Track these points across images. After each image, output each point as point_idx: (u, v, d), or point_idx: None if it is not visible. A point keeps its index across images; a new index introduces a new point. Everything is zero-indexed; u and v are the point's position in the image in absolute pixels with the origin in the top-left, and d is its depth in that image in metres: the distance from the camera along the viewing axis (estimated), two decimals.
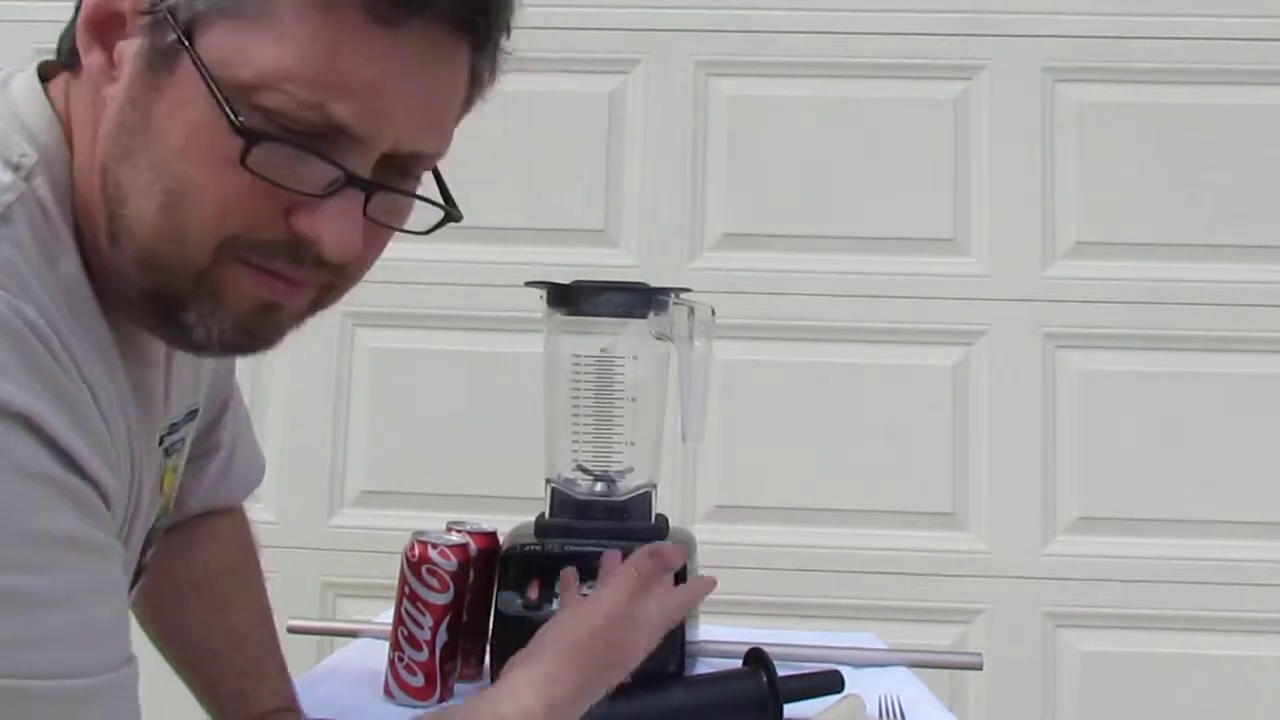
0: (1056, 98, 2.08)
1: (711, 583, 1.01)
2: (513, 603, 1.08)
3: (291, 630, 1.09)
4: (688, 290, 1.13)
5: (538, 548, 1.10)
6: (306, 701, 1.00)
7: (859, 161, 2.08)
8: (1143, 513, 1.99)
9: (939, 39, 2.09)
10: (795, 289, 2.05)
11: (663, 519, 1.17)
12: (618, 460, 1.16)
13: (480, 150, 2.18)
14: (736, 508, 2.02)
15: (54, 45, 0.70)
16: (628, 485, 1.16)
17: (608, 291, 1.16)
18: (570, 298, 1.15)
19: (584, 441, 1.17)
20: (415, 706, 1.08)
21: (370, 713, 1.07)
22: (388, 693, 1.10)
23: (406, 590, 1.09)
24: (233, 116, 0.59)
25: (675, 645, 1.07)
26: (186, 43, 0.61)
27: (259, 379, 1.97)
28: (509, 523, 1.18)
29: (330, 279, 0.68)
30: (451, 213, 0.71)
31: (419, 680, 1.08)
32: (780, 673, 1.03)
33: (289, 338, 0.71)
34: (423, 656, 1.08)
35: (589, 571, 1.08)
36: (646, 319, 1.14)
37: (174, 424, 0.83)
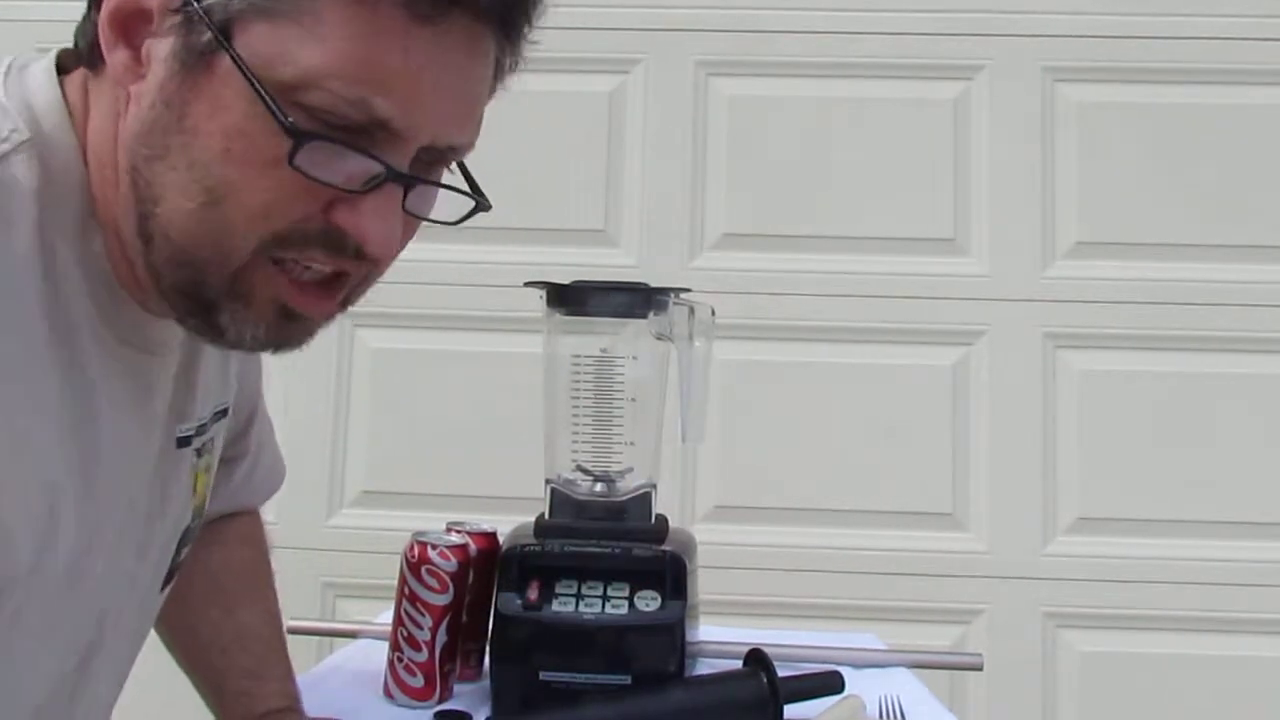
0: (1056, 98, 2.08)
1: None
2: (512, 603, 1.07)
3: (291, 630, 1.09)
4: (688, 290, 1.13)
5: (538, 548, 1.10)
6: (307, 701, 1.00)
7: (859, 162, 2.08)
8: (1142, 513, 1.99)
9: (939, 39, 2.09)
10: (795, 289, 2.05)
11: (663, 519, 1.17)
12: (617, 460, 1.16)
13: (480, 150, 2.18)
14: (736, 508, 2.02)
15: (53, 45, 0.70)
16: (627, 485, 1.16)
17: (608, 291, 1.16)
18: (570, 298, 1.15)
19: (584, 442, 1.16)
20: (415, 707, 1.08)
21: (370, 713, 1.07)
22: (387, 693, 1.10)
23: (406, 591, 1.08)
24: (282, 117, 0.60)
25: (675, 645, 1.07)
26: (226, 43, 0.61)
27: None
28: (509, 523, 1.17)
29: (365, 271, 0.68)
30: (481, 202, 0.72)
31: (418, 681, 1.08)
32: (780, 673, 1.03)
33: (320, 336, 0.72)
34: (422, 657, 1.08)
35: (589, 572, 1.09)
36: (646, 319, 1.13)
37: (202, 424, 0.83)
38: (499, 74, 0.70)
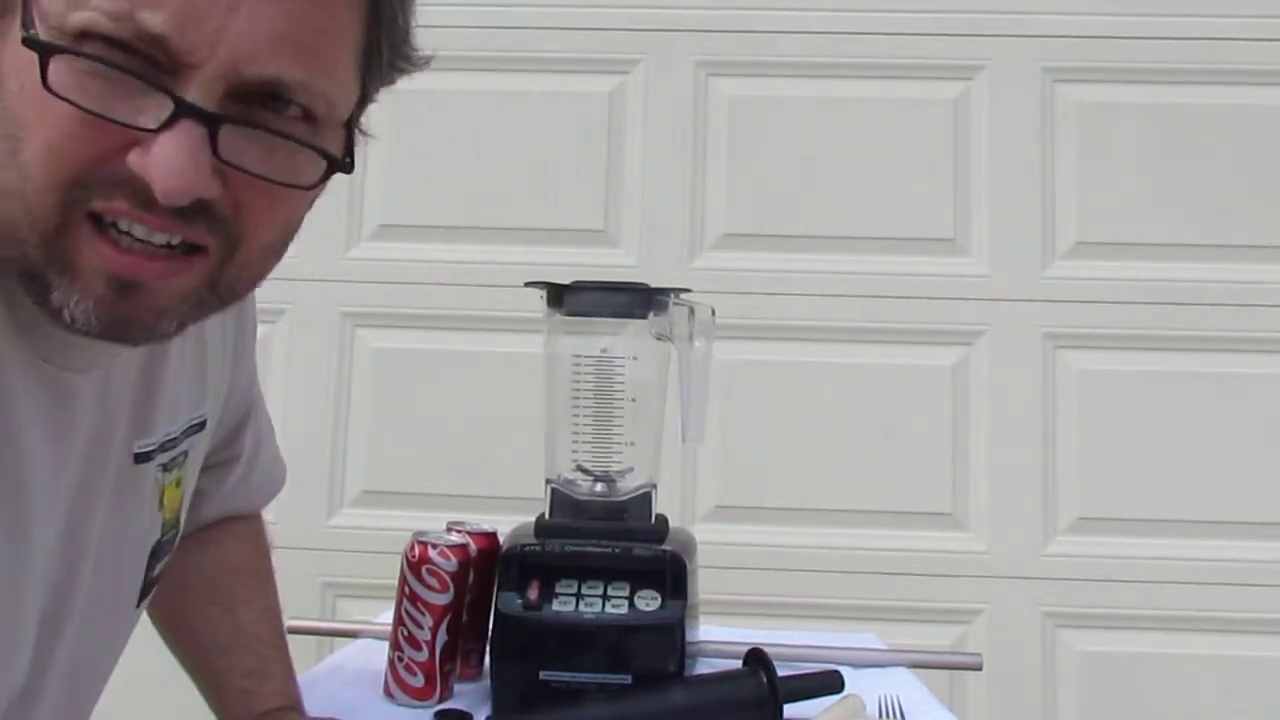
0: (1056, 98, 2.08)
1: None
2: (513, 603, 1.07)
3: (291, 630, 1.09)
4: (688, 290, 1.13)
5: (538, 548, 1.10)
6: (307, 701, 1.00)
7: (859, 162, 2.08)
8: (1142, 513, 1.99)
9: (939, 39, 2.09)
10: (795, 289, 2.05)
11: (663, 519, 1.17)
12: (618, 460, 1.16)
13: (480, 150, 2.18)
14: (736, 508, 2.02)
15: None
16: (628, 485, 1.16)
17: (608, 291, 1.16)
18: (570, 298, 1.15)
19: (584, 442, 1.16)
20: (415, 706, 1.08)
21: (370, 713, 1.07)
22: (387, 693, 1.10)
23: (406, 590, 1.09)
24: (24, 31, 0.55)
25: (675, 645, 1.07)
26: None
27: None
28: (509, 523, 1.17)
29: (218, 240, 0.61)
30: (336, 161, 0.63)
31: (419, 680, 1.08)
32: (780, 673, 1.03)
33: (184, 326, 0.65)
34: (423, 657, 1.08)
35: (589, 571, 1.09)
36: (646, 319, 1.13)
37: (170, 438, 0.81)
38: (376, 10, 0.63)
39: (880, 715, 1.07)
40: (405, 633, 1.08)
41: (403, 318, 2.07)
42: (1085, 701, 1.96)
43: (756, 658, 1.05)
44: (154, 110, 0.57)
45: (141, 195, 0.58)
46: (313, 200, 0.67)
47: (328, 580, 2.03)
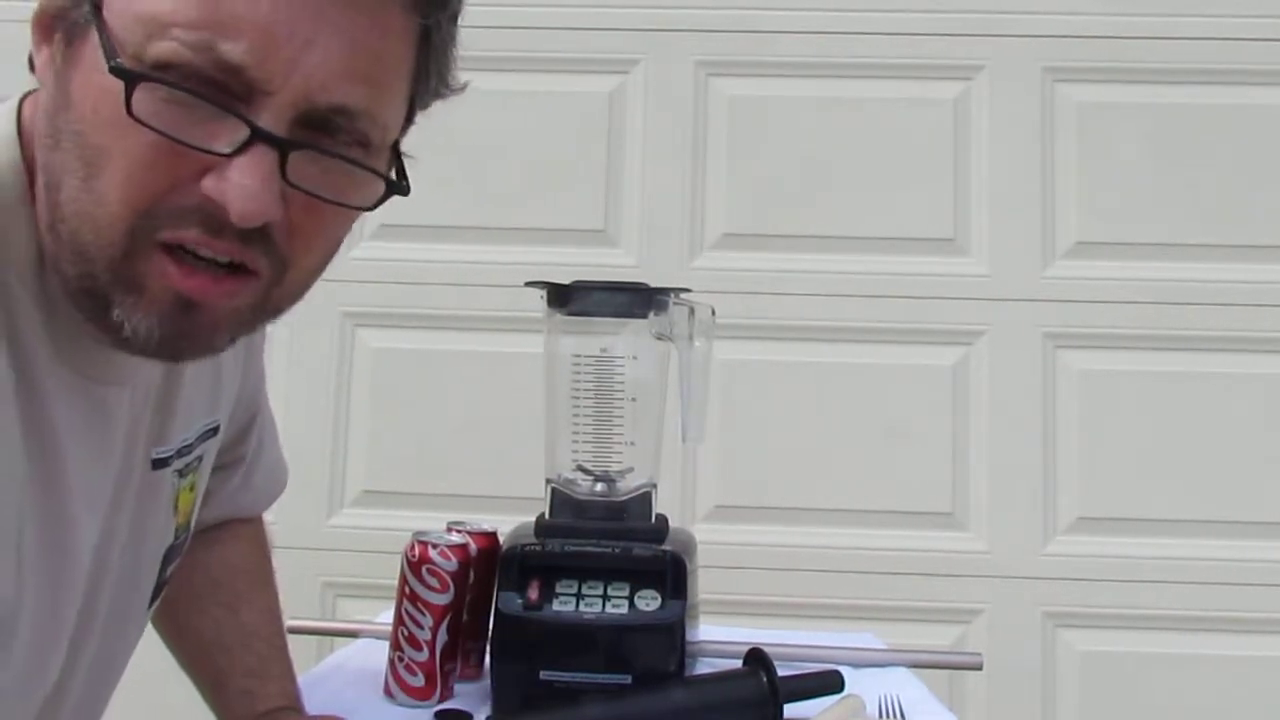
0: (1056, 98, 2.08)
1: None
2: (513, 603, 1.07)
3: (291, 630, 1.09)
4: (688, 290, 1.13)
5: (538, 548, 1.10)
6: (307, 701, 1.00)
7: (859, 162, 2.09)
8: (1142, 513, 1.99)
9: (939, 39, 2.09)
10: (795, 289, 2.05)
11: (663, 519, 1.17)
12: (618, 460, 1.16)
13: (481, 150, 2.18)
14: (736, 508, 2.02)
15: None
16: (628, 485, 1.16)
17: (608, 291, 1.15)
18: (570, 298, 1.15)
19: (584, 441, 1.16)
20: (415, 706, 1.08)
21: (370, 712, 1.07)
22: (388, 693, 1.10)
23: (406, 590, 1.09)
24: (110, 59, 0.57)
25: (675, 645, 1.07)
26: (92, 6, 0.59)
27: None
28: (509, 523, 1.17)
29: (270, 262, 0.63)
30: (394, 184, 0.65)
31: (419, 680, 1.08)
32: (780, 673, 1.03)
33: (233, 341, 0.67)
34: (423, 656, 1.08)
35: (589, 571, 1.09)
36: (646, 319, 1.14)
37: (186, 444, 0.82)
38: (427, 40, 0.64)
39: (880, 715, 1.07)
40: (405, 632, 1.08)
41: (403, 318, 2.07)
42: (1085, 701, 1.96)
43: (756, 658, 1.05)
44: (228, 135, 0.58)
45: (212, 222, 0.59)
46: (353, 224, 0.69)
47: (328, 580, 2.03)
